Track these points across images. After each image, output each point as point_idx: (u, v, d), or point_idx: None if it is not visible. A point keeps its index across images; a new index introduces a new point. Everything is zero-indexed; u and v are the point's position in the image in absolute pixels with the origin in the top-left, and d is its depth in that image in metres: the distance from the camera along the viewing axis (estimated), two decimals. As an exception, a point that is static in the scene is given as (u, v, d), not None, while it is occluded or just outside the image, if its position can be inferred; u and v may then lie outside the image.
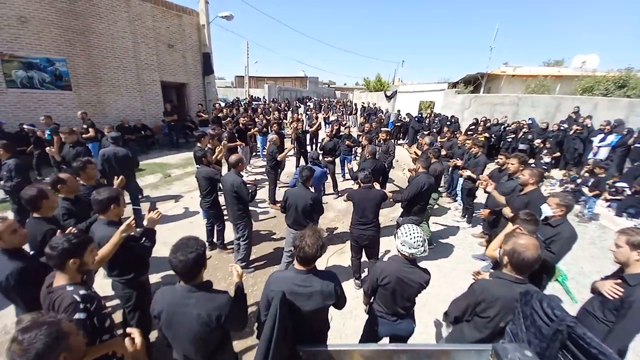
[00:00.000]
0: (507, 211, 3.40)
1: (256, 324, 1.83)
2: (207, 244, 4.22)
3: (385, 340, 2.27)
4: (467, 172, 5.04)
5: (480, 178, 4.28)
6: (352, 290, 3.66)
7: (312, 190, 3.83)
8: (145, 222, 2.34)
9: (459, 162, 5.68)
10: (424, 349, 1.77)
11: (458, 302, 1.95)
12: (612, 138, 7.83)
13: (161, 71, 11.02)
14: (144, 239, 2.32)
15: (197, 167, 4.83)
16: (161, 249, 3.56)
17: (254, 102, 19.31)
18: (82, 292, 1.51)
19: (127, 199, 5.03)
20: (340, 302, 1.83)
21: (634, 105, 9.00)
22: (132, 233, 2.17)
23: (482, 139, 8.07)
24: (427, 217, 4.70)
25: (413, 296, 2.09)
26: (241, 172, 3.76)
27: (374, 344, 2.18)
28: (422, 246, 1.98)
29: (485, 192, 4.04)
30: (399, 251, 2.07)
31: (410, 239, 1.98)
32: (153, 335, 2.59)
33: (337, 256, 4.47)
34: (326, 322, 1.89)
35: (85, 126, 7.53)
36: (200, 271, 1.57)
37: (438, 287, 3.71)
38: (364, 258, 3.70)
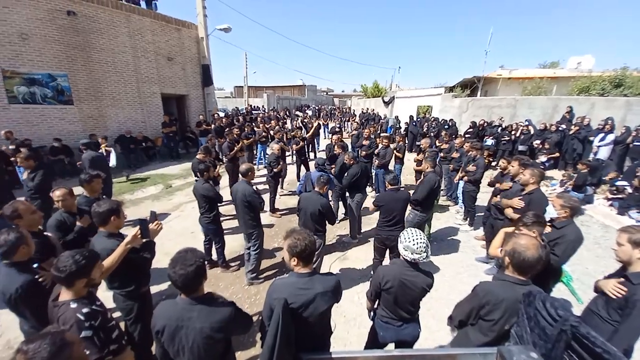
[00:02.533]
0: (510, 212, 3.40)
1: (259, 335, 1.81)
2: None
3: (391, 346, 2.24)
4: (466, 177, 5.11)
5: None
6: (355, 297, 3.63)
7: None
8: None
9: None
10: (429, 354, 1.75)
11: (462, 305, 1.93)
12: (612, 137, 7.84)
13: (161, 83, 11.17)
14: (142, 251, 2.30)
15: (196, 180, 4.81)
16: (163, 259, 3.55)
17: (253, 112, 19.47)
18: (85, 310, 1.51)
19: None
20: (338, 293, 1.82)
21: (630, 104, 9.03)
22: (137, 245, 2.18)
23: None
24: (430, 215, 4.79)
25: (416, 300, 2.07)
26: (251, 181, 3.75)
27: (379, 350, 2.15)
28: (424, 252, 1.97)
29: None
30: (401, 255, 2.06)
31: (413, 244, 1.97)
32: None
33: (340, 262, 4.45)
34: (329, 326, 1.87)
35: (12, 146, 6.56)
36: (201, 283, 1.55)
37: (442, 290, 3.69)
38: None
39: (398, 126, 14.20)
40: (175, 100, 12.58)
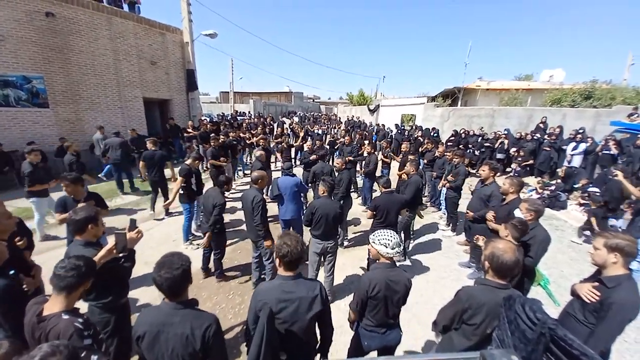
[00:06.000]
0: (491, 223, 3.51)
1: (244, 344, 1.77)
2: (202, 271, 4.09)
3: (374, 353, 2.23)
4: (448, 184, 5.33)
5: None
6: (342, 304, 3.61)
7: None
8: None
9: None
10: (414, 360, 1.76)
11: (445, 310, 1.96)
12: (584, 146, 8.28)
13: (143, 88, 10.90)
14: (122, 259, 2.19)
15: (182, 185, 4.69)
16: (143, 268, 3.42)
17: (239, 117, 19.28)
18: (80, 319, 1.49)
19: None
20: (326, 311, 1.79)
21: (599, 115, 9.59)
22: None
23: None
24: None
25: (401, 300, 2.08)
26: (263, 189, 3.68)
27: (363, 357, 2.14)
28: (398, 246, 2.05)
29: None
30: (381, 255, 2.07)
31: (388, 241, 2.04)
32: (133, 361, 2.45)
33: (326, 270, 4.42)
34: (314, 335, 1.85)
35: None
36: (187, 288, 1.54)
37: (427, 296, 3.72)
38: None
39: (383, 133, 14.46)
40: (158, 104, 12.32)
